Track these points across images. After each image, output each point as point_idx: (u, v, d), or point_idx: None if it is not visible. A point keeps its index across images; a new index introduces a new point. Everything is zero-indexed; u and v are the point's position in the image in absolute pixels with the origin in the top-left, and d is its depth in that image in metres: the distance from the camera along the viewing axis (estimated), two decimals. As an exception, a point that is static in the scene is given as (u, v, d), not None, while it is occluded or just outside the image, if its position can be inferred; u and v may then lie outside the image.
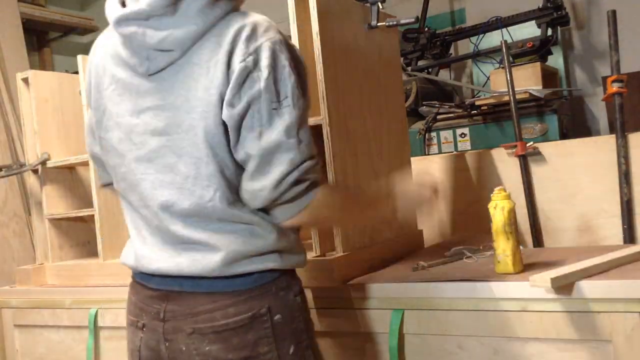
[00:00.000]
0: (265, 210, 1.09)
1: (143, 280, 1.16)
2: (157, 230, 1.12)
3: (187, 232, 1.08)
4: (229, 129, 1.03)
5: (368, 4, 1.66)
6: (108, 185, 1.29)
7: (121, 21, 1.06)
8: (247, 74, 1.01)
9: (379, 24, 1.65)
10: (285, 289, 1.13)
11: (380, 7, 1.69)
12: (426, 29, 3.26)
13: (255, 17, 1.07)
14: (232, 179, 1.07)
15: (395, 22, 1.67)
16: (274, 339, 1.09)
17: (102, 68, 1.15)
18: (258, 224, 1.09)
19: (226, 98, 1.01)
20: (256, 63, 1.01)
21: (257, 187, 1.04)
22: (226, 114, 1.02)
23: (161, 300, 1.12)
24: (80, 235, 2.18)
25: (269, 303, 1.10)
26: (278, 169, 1.02)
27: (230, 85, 1.01)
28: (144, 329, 1.14)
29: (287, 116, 1.02)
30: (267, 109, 1.02)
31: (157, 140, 1.08)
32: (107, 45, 1.15)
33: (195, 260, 1.08)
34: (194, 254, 1.08)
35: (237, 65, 1.01)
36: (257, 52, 1.02)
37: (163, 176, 1.08)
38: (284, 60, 1.03)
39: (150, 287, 1.14)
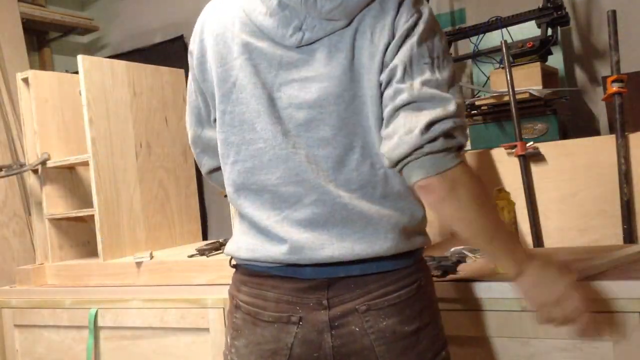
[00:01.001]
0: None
1: (289, 273, 1.06)
2: (313, 212, 1.04)
3: (356, 208, 1.02)
4: (382, 87, 1.02)
5: None
6: (213, 171, 1.26)
7: None
8: (407, 34, 1.02)
9: None
10: (425, 262, 1.16)
11: None
12: (426, 29, 3.25)
13: None
14: None
15: None
16: (431, 310, 1.11)
17: (228, 37, 1.09)
18: (416, 200, 1.06)
19: (385, 59, 1.01)
20: (416, 25, 1.02)
21: (405, 129, 0.98)
22: (383, 75, 1.02)
23: (321, 290, 1.05)
24: (80, 235, 2.18)
25: (424, 274, 1.11)
26: (431, 112, 0.98)
27: (391, 47, 1.01)
28: (300, 323, 1.05)
29: (441, 73, 1.02)
30: (422, 65, 1.01)
31: (307, 113, 1.03)
32: (229, 14, 1.10)
33: (370, 242, 1.02)
34: (366, 235, 1.03)
35: (401, 28, 1.01)
36: (418, 15, 1.03)
37: (318, 150, 1.03)
38: (435, 26, 1.05)
39: (304, 278, 1.05)
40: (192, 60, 1.16)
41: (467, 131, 1.06)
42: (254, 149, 1.07)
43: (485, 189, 1.06)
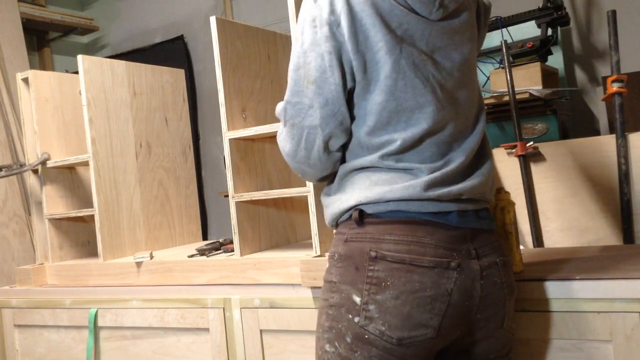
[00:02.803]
0: None
1: (438, 218, 1.09)
2: (469, 155, 1.16)
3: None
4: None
5: None
6: (338, 150, 1.20)
7: None
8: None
9: None
10: None
11: None
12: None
13: None
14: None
15: None
16: None
17: (390, 6, 1.12)
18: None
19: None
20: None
21: None
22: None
23: (465, 240, 1.11)
24: (80, 235, 2.18)
25: None
26: None
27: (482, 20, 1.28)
28: (459, 269, 1.08)
29: None
30: None
31: (459, 74, 1.17)
32: None
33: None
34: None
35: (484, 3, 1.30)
36: None
37: (468, 111, 1.19)
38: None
39: (451, 225, 1.10)
40: (348, 26, 1.11)
41: None
42: (431, 111, 1.14)
43: None
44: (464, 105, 1.17)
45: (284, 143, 1.21)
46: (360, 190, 1.12)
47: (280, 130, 1.22)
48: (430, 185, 1.09)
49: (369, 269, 1.07)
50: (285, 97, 1.17)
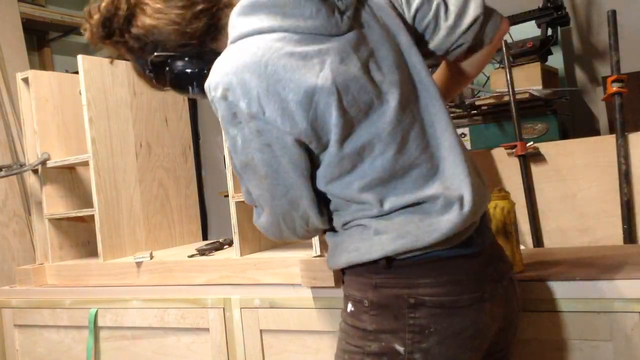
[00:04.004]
0: None
1: (465, 249, 1.05)
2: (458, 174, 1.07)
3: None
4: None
5: None
6: (324, 215, 1.12)
7: None
8: None
9: None
10: None
11: None
12: (426, 29, 3.25)
13: None
14: None
15: None
16: None
17: (302, 58, 1.02)
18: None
19: None
20: None
21: None
22: None
23: (489, 262, 1.07)
24: (80, 235, 2.18)
25: None
26: None
27: None
28: (491, 298, 1.06)
29: None
30: None
31: (398, 75, 1.06)
32: (275, 47, 1.00)
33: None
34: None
35: None
36: None
37: (430, 110, 1.10)
38: None
39: (473, 251, 1.05)
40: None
41: None
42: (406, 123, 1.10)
43: None
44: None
45: (264, 225, 1.13)
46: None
47: (256, 214, 1.15)
48: None
49: (409, 316, 1.03)
50: (246, 189, 1.11)
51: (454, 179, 1.04)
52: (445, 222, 1.01)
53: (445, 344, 1.02)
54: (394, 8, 1.12)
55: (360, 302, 1.07)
